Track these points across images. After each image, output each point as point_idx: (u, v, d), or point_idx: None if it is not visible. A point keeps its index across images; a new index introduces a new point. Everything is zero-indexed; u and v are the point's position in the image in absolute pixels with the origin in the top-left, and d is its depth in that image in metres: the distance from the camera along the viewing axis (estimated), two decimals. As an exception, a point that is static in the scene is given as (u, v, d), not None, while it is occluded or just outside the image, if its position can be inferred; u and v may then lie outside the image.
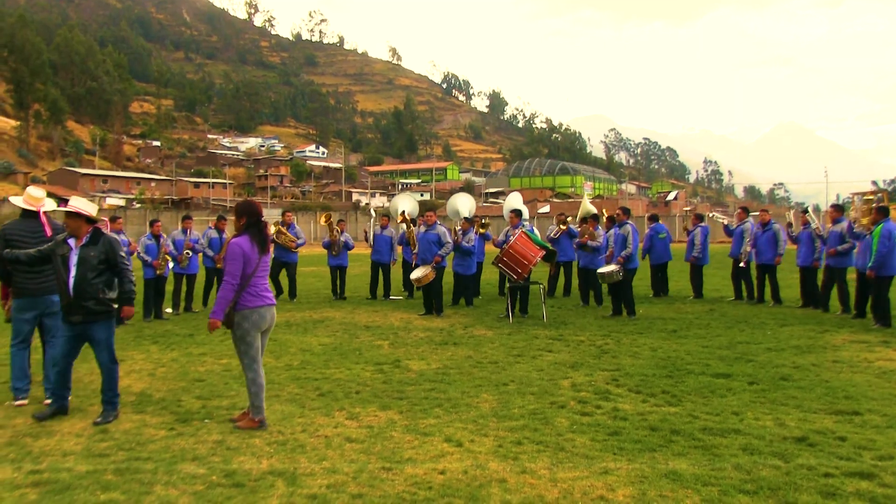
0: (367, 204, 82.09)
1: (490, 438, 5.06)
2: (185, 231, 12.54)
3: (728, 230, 13.57)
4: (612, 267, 11.23)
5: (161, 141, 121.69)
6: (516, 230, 12.02)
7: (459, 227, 12.94)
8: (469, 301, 12.98)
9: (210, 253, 12.77)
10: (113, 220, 11.45)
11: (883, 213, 10.10)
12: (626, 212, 12.07)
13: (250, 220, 5.53)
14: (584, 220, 13.44)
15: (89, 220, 5.79)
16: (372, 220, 15.07)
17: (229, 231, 13.22)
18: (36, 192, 6.43)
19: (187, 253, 12.34)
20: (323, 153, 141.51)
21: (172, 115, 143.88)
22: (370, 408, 5.93)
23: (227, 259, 5.41)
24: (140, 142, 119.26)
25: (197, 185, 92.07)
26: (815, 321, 10.47)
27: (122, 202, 73.51)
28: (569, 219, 14.48)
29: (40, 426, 5.50)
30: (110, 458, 4.75)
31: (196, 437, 5.16)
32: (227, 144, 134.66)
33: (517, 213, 13.05)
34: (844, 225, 11.07)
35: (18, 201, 6.30)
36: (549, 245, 11.82)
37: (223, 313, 5.38)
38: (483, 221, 14.61)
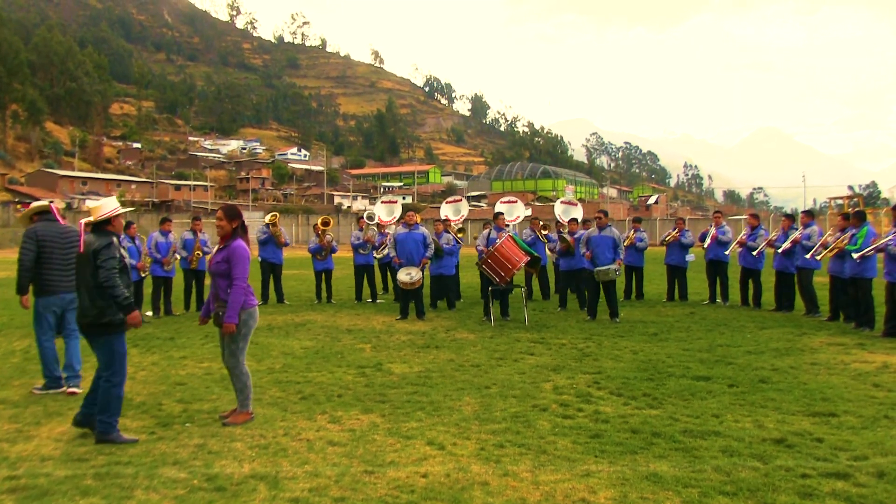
0: (346, 206, 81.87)
1: (472, 441, 5.07)
2: (165, 234, 12.47)
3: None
4: (612, 265, 11.20)
5: (142, 143, 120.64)
6: (500, 233, 12.05)
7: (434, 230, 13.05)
8: (451, 304, 13.00)
9: (183, 254, 12.71)
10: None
11: (861, 217, 10.33)
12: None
13: (241, 222, 5.77)
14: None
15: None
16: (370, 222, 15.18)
17: (209, 233, 13.19)
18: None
19: (176, 255, 12.48)
20: (305, 156, 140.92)
21: (153, 116, 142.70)
22: (352, 411, 5.92)
23: (237, 262, 5.57)
24: (120, 143, 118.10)
25: (178, 187, 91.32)
26: (793, 324, 10.59)
27: (101, 204, 72.69)
28: (548, 224, 14.58)
29: (17, 432, 5.43)
30: (90, 462, 4.71)
31: (177, 441, 5.13)
32: (209, 147, 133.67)
33: (498, 214, 13.11)
34: (815, 229, 11.31)
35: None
36: (533, 251, 11.86)
37: (237, 315, 5.54)
38: (459, 226, 14.73)
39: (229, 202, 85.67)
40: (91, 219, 5.44)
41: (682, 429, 5.27)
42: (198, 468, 4.56)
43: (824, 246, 10.77)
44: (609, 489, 4.14)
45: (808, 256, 11.21)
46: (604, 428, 5.34)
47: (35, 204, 7.26)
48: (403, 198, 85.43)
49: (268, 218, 14.09)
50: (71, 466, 4.62)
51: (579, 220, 13.83)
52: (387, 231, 15.02)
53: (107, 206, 5.50)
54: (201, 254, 12.63)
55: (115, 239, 5.44)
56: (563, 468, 4.50)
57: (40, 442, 5.16)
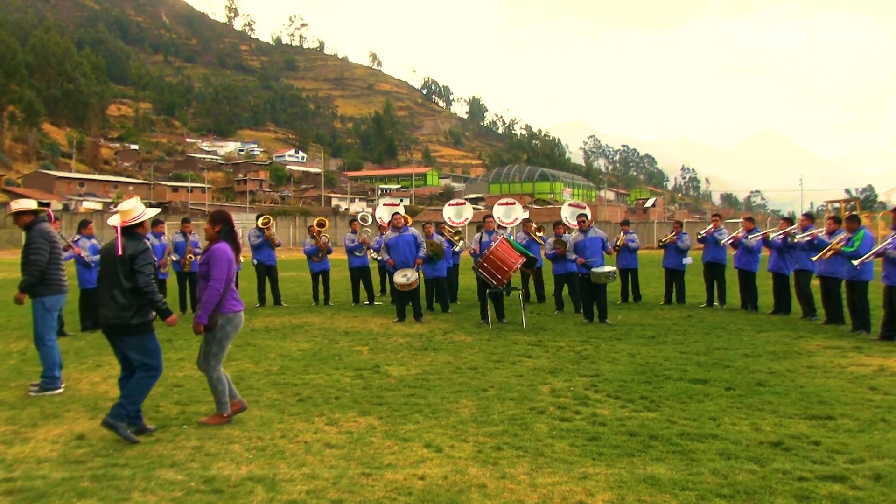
0: (345, 208, 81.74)
1: (470, 444, 5.07)
2: (158, 236, 12.46)
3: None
4: (609, 267, 11.19)
5: (139, 144, 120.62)
6: (491, 235, 12.03)
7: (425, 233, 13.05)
8: (445, 306, 12.95)
9: (175, 257, 12.77)
10: (84, 224, 11.39)
11: (856, 221, 10.35)
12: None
13: (225, 227, 5.77)
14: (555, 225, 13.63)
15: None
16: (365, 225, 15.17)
17: (199, 235, 13.23)
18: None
19: (171, 258, 12.54)
20: (302, 158, 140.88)
21: (151, 118, 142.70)
22: (350, 413, 5.92)
23: (215, 263, 5.56)
24: (118, 145, 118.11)
25: (175, 189, 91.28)
26: (790, 327, 10.60)
27: (98, 206, 72.75)
28: (542, 226, 14.62)
29: (14, 433, 5.43)
30: (87, 464, 4.70)
31: (174, 443, 5.13)
32: (206, 148, 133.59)
33: (486, 218, 13.14)
34: (816, 233, 11.34)
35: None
36: (529, 252, 11.86)
37: (208, 316, 5.52)
38: (456, 229, 14.72)
39: (226, 204, 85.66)
40: (119, 220, 5.47)
41: (679, 432, 5.28)
42: (195, 470, 4.56)
43: (814, 244, 10.79)
44: (606, 492, 4.15)
45: (794, 241, 11.29)
46: (601, 431, 5.35)
47: (30, 203, 7.25)
48: (401, 200, 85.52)
49: (260, 221, 14.07)
50: (68, 468, 4.62)
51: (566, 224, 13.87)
52: (384, 234, 15.03)
53: (136, 208, 5.55)
54: (193, 256, 12.64)
55: (148, 242, 5.60)
56: (560, 471, 4.50)
57: (37, 444, 5.16)
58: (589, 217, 12.47)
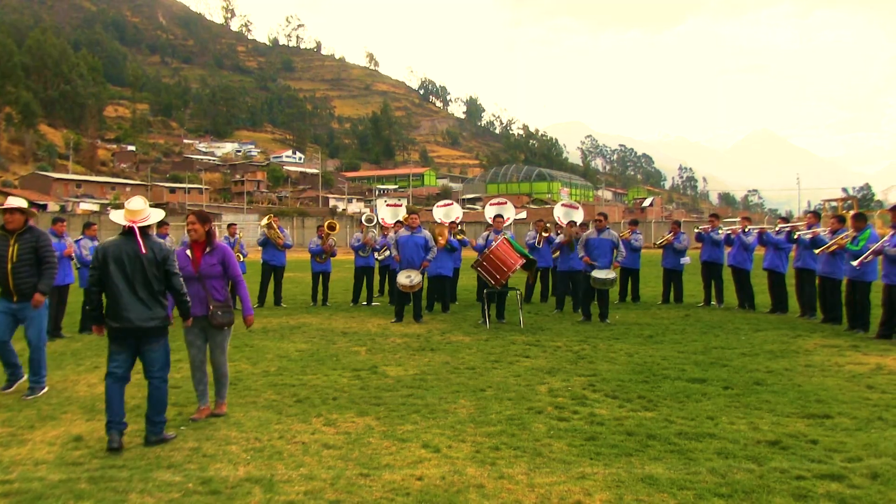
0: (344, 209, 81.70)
1: (467, 444, 5.07)
2: (163, 237, 12.46)
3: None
4: (611, 274, 11.19)
5: (136, 145, 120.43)
6: (498, 235, 12.02)
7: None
8: (445, 307, 12.95)
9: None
10: (87, 226, 11.41)
11: (863, 220, 10.32)
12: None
13: (210, 226, 5.98)
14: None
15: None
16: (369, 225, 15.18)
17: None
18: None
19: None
20: (300, 159, 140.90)
21: (148, 119, 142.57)
22: (347, 414, 5.91)
23: (232, 262, 5.92)
24: (115, 146, 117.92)
25: (172, 190, 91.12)
26: (788, 326, 10.62)
27: (96, 207, 72.65)
28: (548, 226, 14.59)
29: (10, 436, 5.41)
30: (84, 466, 4.69)
31: (172, 445, 5.12)
32: (204, 149, 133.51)
33: (496, 217, 13.13)
34: (818, 231, 11.33)
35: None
36: (529, 254, 11.85)
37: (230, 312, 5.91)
38: (459, 227, 14.69)
39: (224, 205, 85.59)
40: (126, 218, 5.36)
41: (677, 431, 5.28)
42: (193, 471, 4.55)
43: (815, 242, 10.81)
44: (604, 491, 4.15)
45: (794, 236, 11.32)
46: (599, 430, 5.35)
47: (25, 201, 7.20)
48: (398, 200, 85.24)
49: (264, 221, 14.15)
50: (65, 470, 4.60)
51: (578, 223, 13.84)
52: (387, 234, 15.02)
53: (145, 209, 5.44)
54: None
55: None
56: (558, 471, 4.50)
57: (34, 446, 5.14)
58: (606, 217, 12.39)
